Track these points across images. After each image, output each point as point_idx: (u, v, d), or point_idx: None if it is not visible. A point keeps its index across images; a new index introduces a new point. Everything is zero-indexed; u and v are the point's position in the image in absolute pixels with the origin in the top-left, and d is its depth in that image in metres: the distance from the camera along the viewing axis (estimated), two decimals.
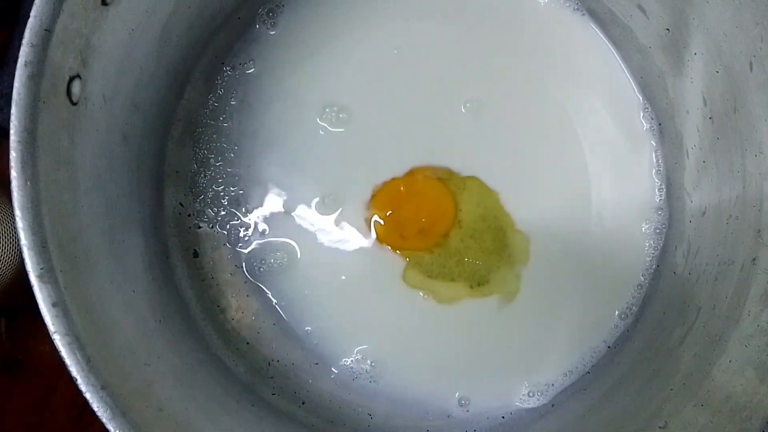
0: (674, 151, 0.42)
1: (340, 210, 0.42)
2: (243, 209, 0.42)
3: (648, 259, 0.42)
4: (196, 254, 0.43)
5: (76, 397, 0.25)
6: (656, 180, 0.43)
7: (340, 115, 0.42)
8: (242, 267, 0.42)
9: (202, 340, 0.39)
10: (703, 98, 0.38)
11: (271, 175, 0.42)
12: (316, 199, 0.42)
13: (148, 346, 0.32)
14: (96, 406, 0.25)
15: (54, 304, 0.25)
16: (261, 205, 0.42)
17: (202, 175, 0.43)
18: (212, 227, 0.43)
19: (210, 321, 0.42)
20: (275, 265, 0.43)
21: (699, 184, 0.39)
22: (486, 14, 0.43)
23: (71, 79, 0.29)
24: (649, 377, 0.36)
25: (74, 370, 0.25)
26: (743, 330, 0.32)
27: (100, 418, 0.24)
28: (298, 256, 0.42)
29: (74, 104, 0.29)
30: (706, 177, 0.38)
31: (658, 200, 0.43)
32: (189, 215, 0.43)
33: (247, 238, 0.43)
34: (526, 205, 0.42)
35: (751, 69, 0.33)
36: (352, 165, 0.42)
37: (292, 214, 0.42)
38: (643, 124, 0.43)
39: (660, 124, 0.43)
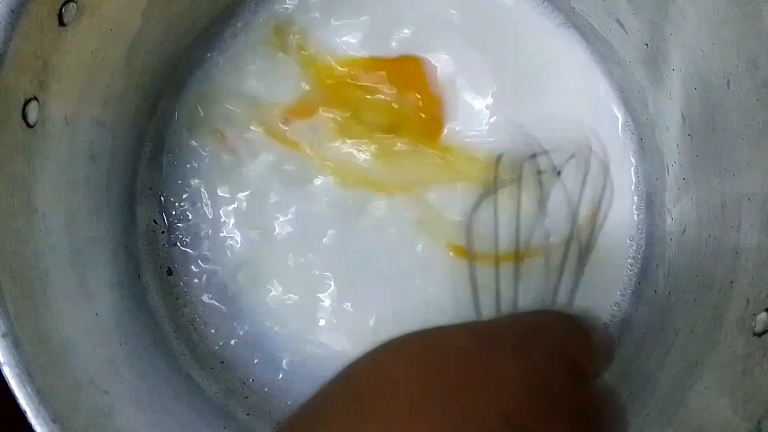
0: (655, 168, 0.41)
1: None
2: (220, 225, 0.42)
3: (626, 278, 0.41)
4: (170, 272, 0.42)
5: None
6: (635, 197, 0.42)
7: None
8: (218, 284, 0.42)
9: (172, 361, 0.39)
10: (682, 115, 0.37)
11: None
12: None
13: (109, 371, 0.31)
14: None
15: (3, 335, 0.25)
16: (239, 222, 0.42)
17: (176, 192, 0.42)
18: (187, 244, 0.42)
19: (183, 340, 0.41)
20: (252, 282, 0.42)
21: (679, 202, 0.38)
22: (467, 20, 0.43)
23: (27, 102, 0.28)
24: (626, 400, 0.35)
25: (23, 402, 0.24)
26: (720, 355, 0.31)
27: None
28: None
29: (31, 127, 0.28)
30: (686, 195, 0.38)
31: (637, 217, 0.42)
32: (163, 232, 0.42)
33: (223, 255, 0.42)
34: None
35: (728, 87, 0.32)
36: None
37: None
38: (623, 138, 0.43)
39: (641, 139, 0.42)
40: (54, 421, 0.25)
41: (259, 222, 0.42)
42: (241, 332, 0.42)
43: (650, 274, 0.41)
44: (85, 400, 0.27)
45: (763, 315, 0.29)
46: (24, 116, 0.28)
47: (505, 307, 0.37)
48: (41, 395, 0.25)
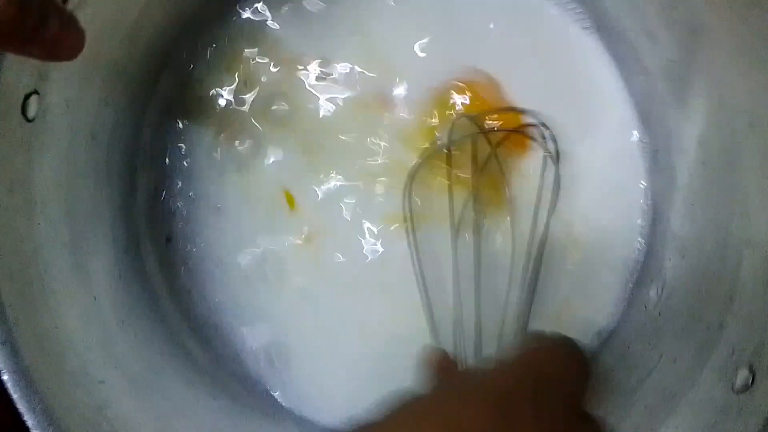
0: (665, 184, 0.40)
1: None
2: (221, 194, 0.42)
3: (621, 287, 0.42)
4: (169, 239, 0.42)
5: None
6: (644, 206, 0.42)
7: None
8: (216, 252, 0.42)
9: (167, 332, 0.39)
10: (699, 141, 0.36)
11: None
12: None
13: (105, 357, 0.32)
14: None
15: (2, 343, 0.25)
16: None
17: (178, 158, 0.42)
18: (187, 212, 0.42)
19: (178, 307, 0.42)
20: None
21: (683, 226, 0.38)
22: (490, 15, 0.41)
23: (27, 97, 0.27)
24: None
25: (22, 407, 0.25)
26: (696, 397, 0.32)
27: None
28: None
29: (30, 121, 0.28)
30: (691, 222, 0.37)
31: (641, 227, 0.42)
32: (163, 199, 0.42)
33: (223, 223, 0.42)
34: None
35: (751, 127, 0.31)
36: None
37: None
38: (637, 148, 0.42)
39: (656, 151, 0.41)
40: (50, 424, 0.26)
41: None
42: (239, 299, 0.43)
43: (644, 288, 0.41)
44: (81, 397, 0.28)
45: (744, 372, 0.30)
46: (23, 111, 0.27)
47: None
48: (38, 398, 0.26)
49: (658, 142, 0.41)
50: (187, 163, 0.42)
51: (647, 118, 0.41)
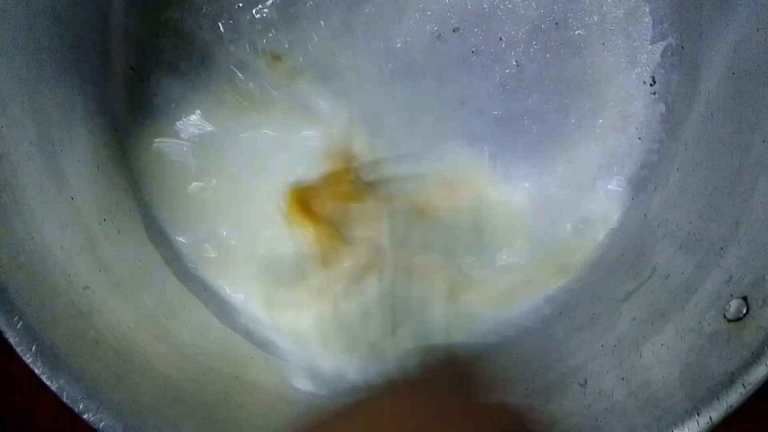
0: (686, 86, 0.37)
1: None
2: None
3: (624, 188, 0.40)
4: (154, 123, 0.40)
5: (60, 411, 0.25)
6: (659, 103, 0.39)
7: None
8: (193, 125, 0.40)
9: (151, 222, 0.38)
10: (735, 47, 0.33)
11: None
12: None
13: (88, 261, 0.31)
14: (30, 361, 0.25)
15: None
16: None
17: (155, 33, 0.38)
18: (171, 91, 0.39)
19: (159, 189, 0.40)
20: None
21: (698, 137, 0.36)
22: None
23: None
24: (585, 322, 0.37)
25: (7, 332, 0.25)
26: (685, 320, 0.32)
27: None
28: None
29: None
30: (709, 132, 0.35)
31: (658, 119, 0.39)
32: (141, 81, 0.39)
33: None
34: None
35: None
36: None
37: None
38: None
39: (682, 48, 0.37)
40: (34, 340, 0.25)
41: None
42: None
43: (648, 193, 0.39)
44: (64, 308, 0.28)
45: (738, 301, 0.29)
46: None
47: None
48: (17, 313, 0.25)
49: (684, 38, 0.37)
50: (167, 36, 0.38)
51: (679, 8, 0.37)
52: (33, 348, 0.25)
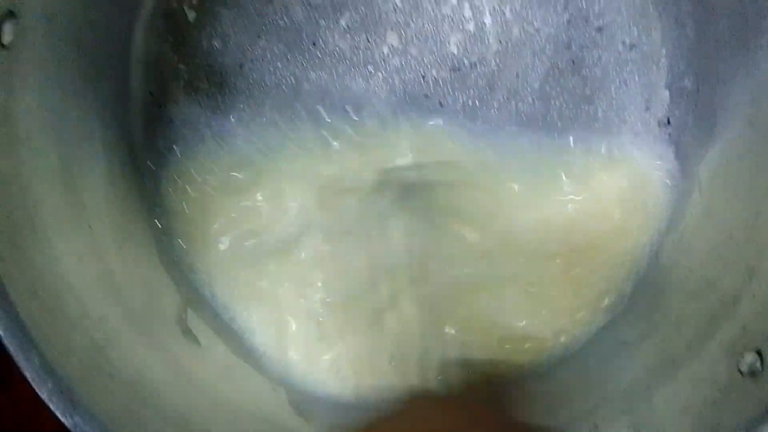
0: (701, 133, 0.37)
1: None
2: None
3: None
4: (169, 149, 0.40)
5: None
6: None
7: None
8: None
9: (166, 247, 0.38)
10: (753, 96, 0.33)
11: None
12: None
13: (104, 290, 0.31)
14: (45, 397, 0.25)
15: None
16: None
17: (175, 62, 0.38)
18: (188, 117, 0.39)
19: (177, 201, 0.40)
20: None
21: (713, 181, 0.36)
22: None
23: (1, 23, 0.23)
24: (595, 365, 0.37)
25: (20, 361, 0.25)
26: (698, 369, 0.32)
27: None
28: None
29: (5, 47, 0.24)
30: (724, 179, 0.35)
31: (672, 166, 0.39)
32: (159, 106, 0.39)
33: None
34: None
35: None
36: None
37: None
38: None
39: (698, 92, 0.38)
40: (49, 376, 0.25)
41: None
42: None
43: (660, 233, 0.39)
44: (79, 340, 0.28)
45: (751, 355, 0.29)
46: None
47: None
48: (36, 350, 0.25)
49: (700, 82, 0.37)
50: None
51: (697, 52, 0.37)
52: (49, 384, 0.25)
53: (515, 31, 0.38)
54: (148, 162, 0.38)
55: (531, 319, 0.39)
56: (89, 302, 0.29)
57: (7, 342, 0.24)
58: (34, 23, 0.26)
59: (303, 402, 0.37)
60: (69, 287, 0.28)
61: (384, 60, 0.38)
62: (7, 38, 0.24)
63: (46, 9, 0.26)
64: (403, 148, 0.40)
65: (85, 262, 0.30)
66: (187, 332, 0.36)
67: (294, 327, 0.39)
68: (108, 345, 0.29)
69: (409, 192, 0.39)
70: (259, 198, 0.39)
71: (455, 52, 0.39)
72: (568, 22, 0.38)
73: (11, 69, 0.25)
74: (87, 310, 0.29)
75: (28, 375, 0.25)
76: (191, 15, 0.37)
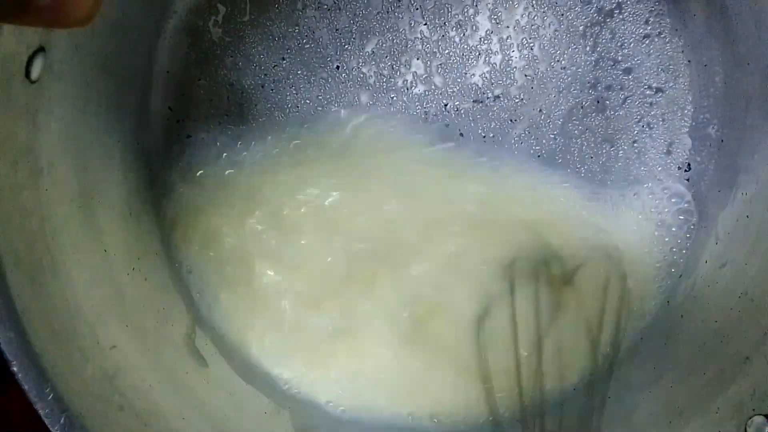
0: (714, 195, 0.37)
1: None
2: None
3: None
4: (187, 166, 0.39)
5: None
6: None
7: None
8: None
9: (178, 267, 0.38)
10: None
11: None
12: None
13: (116, 316, 0.31)
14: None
15: (12, 335, 0.24)
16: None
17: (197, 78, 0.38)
18: (205, 134, 0.39)
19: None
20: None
21: (729, 242, 0.36)
22: None
23: (31, 58, 0.23)
24: (598, 407, 0.37)
25: (33, 396, 0.25)
26: (704, 425, 0.32)
27: None
28: None
29: (33, 82, 0.24)
30: (742, 238, 0.35)
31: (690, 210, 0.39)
32: (178, 121, 0.38)
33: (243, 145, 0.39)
34: None
35: None
36: None
37: None
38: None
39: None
40: (63, 411, 0.25)
41: None
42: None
43: (673, 278, 0.39)
44: (91, 371, 0.27)
45: (759, 419, 0.29)
46: (27, 74, 0.23)
47: None
48: (50, 385, 0.25)
49: (725, 132, 0.37)
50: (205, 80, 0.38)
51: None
52: (62, 420, 0.25)
53: (542, 67, 0.38)
54: (164, 179, 0.38)
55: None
56: (101, 330, 0.29)
57: (22, 379, 0.24)
58: (62, 55, 0.25)
59: (306, 424, 0.37)
60: (82, 316, 0.28)
61: (407, 87, 0.38)
62: (35, 73, 0.23)
63: (74, 39, 0.26)
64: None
65: (99, 287, 0.30)
66: (195, 353, 0.35)
67: (297, 348, 0.39)
68: (118, 374, 0.29)
69: None
70: (270, 221, 0.39)
71: (479, 84, 0.38)
72: (596, 62, 0.38)
73: (37, 103, 0.24)
74: (99, 340, 0.29)
75: (40, 410, 0.25)
76: (216, 33, 0.36)
